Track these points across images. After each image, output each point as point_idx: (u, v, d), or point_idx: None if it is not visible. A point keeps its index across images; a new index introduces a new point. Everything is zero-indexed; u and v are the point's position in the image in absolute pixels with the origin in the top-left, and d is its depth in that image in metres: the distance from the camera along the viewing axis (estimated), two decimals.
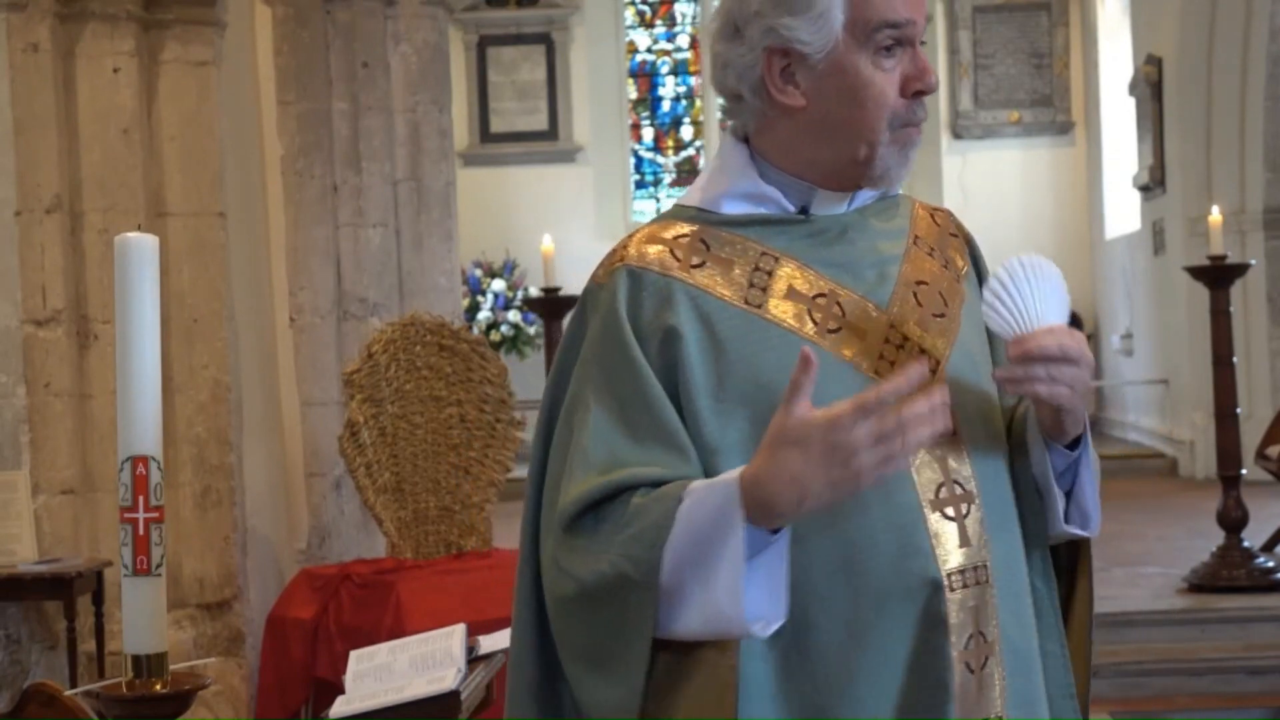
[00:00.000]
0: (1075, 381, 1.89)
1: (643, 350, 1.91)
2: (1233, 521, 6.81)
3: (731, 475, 1.80)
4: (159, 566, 1.78)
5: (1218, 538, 6.88)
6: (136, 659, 1.77)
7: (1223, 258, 6.81)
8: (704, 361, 1.90)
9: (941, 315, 1.99)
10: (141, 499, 1.76)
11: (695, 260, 1.95)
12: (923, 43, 1.97)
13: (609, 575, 1.83)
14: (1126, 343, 12.93)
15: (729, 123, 2.07)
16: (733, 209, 2.00)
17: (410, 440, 5.71)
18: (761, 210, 1.99)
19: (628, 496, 1.85)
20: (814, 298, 1.94)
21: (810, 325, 1.93)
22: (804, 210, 1.99)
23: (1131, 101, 12.26)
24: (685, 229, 1.98)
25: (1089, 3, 13.78)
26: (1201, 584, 6.75)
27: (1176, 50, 10.93)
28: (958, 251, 2.10)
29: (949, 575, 1.89)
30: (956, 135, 14.11)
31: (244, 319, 5.80)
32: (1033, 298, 1.90)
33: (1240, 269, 6.97)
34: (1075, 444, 1.99)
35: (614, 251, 1.98)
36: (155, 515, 1.77)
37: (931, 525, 1.90)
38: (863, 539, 1.87)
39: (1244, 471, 6.90)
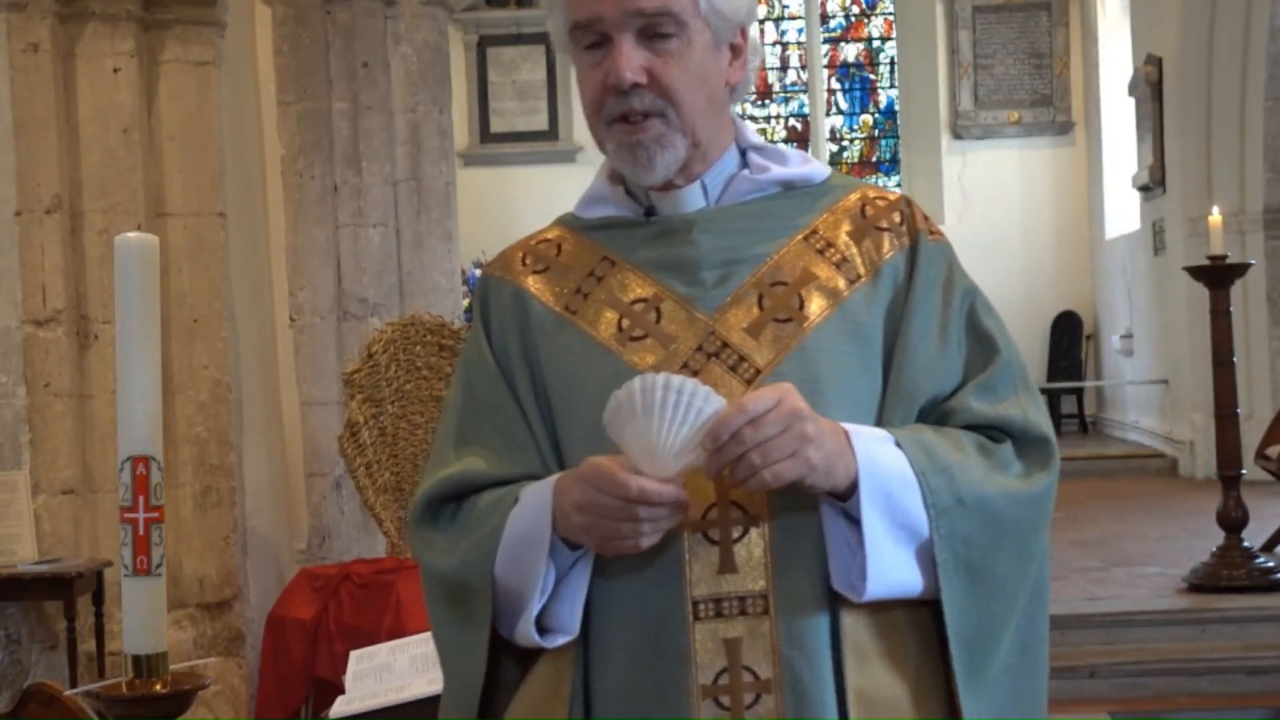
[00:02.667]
0: (785, 445, 1.67)
1: (498, 349, 1.92)
2: (1233, 521, 6.80)
3: (548, 482, 1.80)
4: (159, 566, 1.78)
5: (1218, 538, 6.86)
6: (136, 659, 1.77)
7: (1223, 258, 6.79)
8: (523, 364, 1.90)
9: (787, 321, 1.82)
10: (141, 499, 1.76)
11: (540, 265, 1.95)
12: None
13: (458, 574, 1.85)
14: (1126, 343, 12.92)
15: None
16: (589, 213, 1.97)
17: (410, 440, 5.71)
18: (611, 212, 1.95)
19: (476, 497, 1.87)
20: (632, 303, 1.87)
21: (613, 332, 1.85)
22: (651, 211, 1.93)
23: (1131, 101, 12.25)
24: (553, 234, 1.98)
25: (1089, 3, 13.76)
26: (1201, 584, 6.74)
27: (1176, 50, 10.92)
28: (877, 246, 1.88)
29: (696, 602, 1.76)
30: (956, 135, 14.10)
31: (244, 319, 5.80)
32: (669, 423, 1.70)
33: (1240, 269, 6.96)
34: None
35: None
36: (155, 515, 1.77)
37: (688, 546, 1.76)
38: (626, 556, 1.76)
39: (1244, 471, 6.88)
